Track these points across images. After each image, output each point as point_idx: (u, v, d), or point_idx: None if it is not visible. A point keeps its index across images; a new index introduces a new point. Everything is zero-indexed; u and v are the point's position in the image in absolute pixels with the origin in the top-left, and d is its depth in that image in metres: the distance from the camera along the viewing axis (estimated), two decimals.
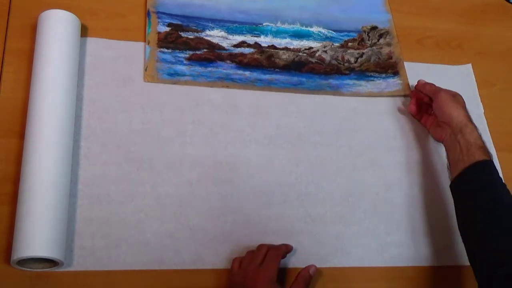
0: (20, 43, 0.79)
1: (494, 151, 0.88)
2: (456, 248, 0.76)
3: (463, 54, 0.97)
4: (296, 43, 0.91)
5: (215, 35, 0.87)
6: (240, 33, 0.89)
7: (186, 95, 0.81)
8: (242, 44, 0.88)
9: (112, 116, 0.77)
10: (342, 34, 0.94)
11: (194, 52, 0.85)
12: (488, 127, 0.89)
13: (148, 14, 0.86)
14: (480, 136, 0.74)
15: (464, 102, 0.80)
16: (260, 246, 0.70)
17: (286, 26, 0.92)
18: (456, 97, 0.79)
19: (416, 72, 0.93)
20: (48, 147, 0.68)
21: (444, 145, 0.78)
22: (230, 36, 0.88)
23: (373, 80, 0.90)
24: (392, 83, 0.91)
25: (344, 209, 0.78)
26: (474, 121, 0.90)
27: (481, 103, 0.92)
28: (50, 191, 0.65)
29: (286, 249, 0.71)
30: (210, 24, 0.89)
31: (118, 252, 0.69)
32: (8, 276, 0.65)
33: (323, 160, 0.81)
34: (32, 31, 0.79)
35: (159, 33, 0.85)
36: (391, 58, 0.94)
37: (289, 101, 0.85)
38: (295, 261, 0.73)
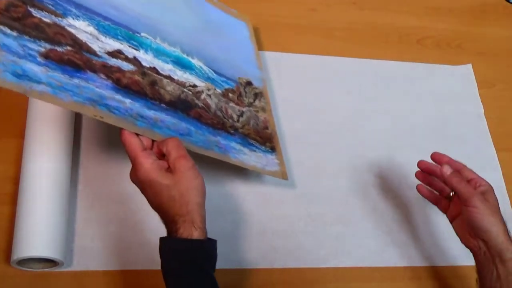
0: None
1: (494, 151, 0.87)
2: (455, 249, 0.76)
3: (463, 54, 0.97)
4: (180, 74, 0.73)
5: (81, 29, 0.63)
6: (115, 37, 0.67)
7: None
8: (118, 54, 0.66)
9: None
10: (222, 79, 0.78)
11: (53, 46, 0.59)
12: (488, 127, 0.89)
13: None
14: None
15: (497, 201, 0.66)
16: None
17: (166, 47, 0.74)
18: (493, 204, 0.65)
19: (416, 72, 0.94)
20: (48, 147, 0.68)
21: (474, 257, 0.66)
22: (102, 37, 0.65)
23: (255, 151, 0.74)
24: (271, 162, 0.75)
25: (344, 209, 0.78)
26: (474, 121, 0.89)
27: (481, 103, 0.92)
28: (50, 191, 0.65)
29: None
30: (74, 10, 0.64)
31: (118, 252, 0.69)
32: (8, 276, 0.65)
33: (323, 160, 0.81)
34: None
35: None
36: (267, 128, 0.78)
37: None
38: (295, 261, 0.73)
